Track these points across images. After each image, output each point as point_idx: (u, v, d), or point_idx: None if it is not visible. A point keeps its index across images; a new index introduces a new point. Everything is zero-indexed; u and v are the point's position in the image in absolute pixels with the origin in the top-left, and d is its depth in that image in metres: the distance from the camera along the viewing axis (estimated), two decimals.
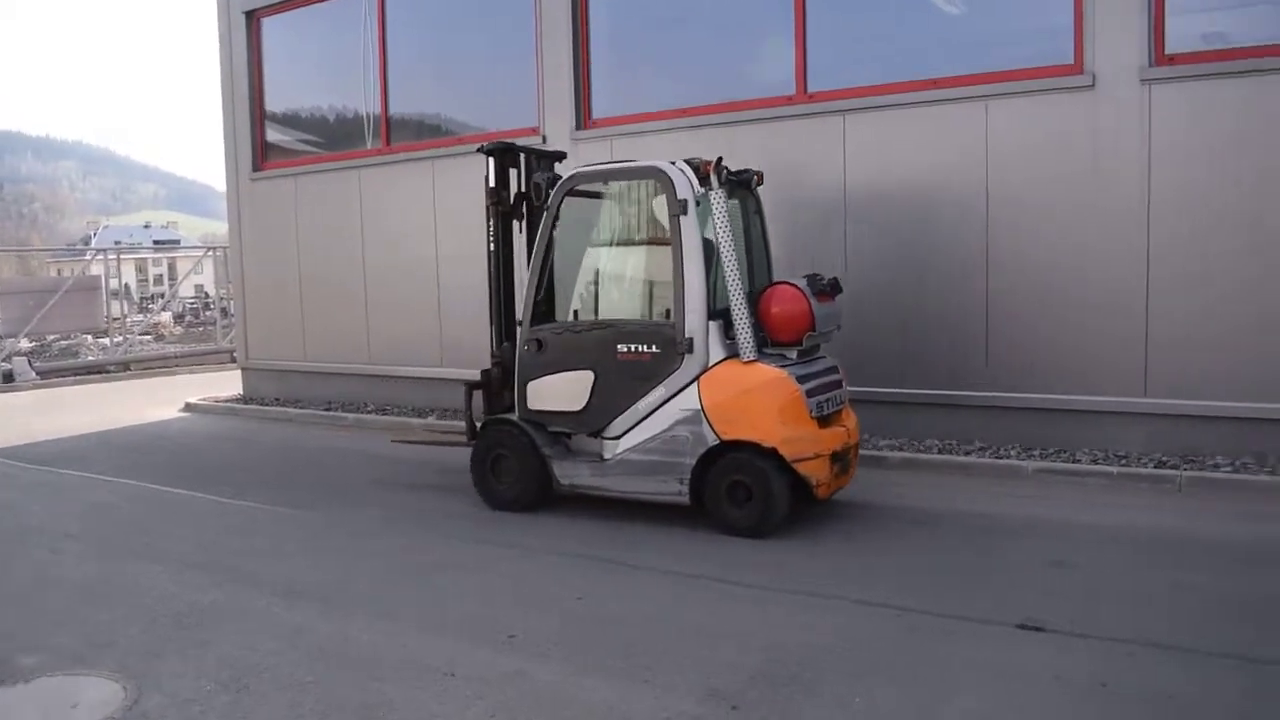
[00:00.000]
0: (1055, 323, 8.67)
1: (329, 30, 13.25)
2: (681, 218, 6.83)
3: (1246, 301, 7.94)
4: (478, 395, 7.97)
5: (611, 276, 7.44)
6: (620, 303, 7.37)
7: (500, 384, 7.89)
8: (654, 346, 6.97)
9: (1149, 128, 8.15)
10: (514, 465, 7.52)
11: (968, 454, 8.73)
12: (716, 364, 6.84)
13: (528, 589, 5.85)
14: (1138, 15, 8.13)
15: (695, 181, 6.85)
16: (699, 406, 6.83)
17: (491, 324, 7.96)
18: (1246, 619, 5.08)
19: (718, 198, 6.86)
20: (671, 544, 6.59)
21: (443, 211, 11.84)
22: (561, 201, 7.36)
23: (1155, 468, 7.97)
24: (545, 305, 7.63)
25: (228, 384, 15.15)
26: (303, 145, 13.85)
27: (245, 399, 14.02)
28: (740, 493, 6.77)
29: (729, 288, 6.84)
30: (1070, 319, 8.60)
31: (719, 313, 6.84)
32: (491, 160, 7.86)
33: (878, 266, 9.30)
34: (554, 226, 7.40)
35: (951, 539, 6.64)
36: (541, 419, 7.48)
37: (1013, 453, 8.64)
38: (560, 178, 7.42)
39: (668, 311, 7.03)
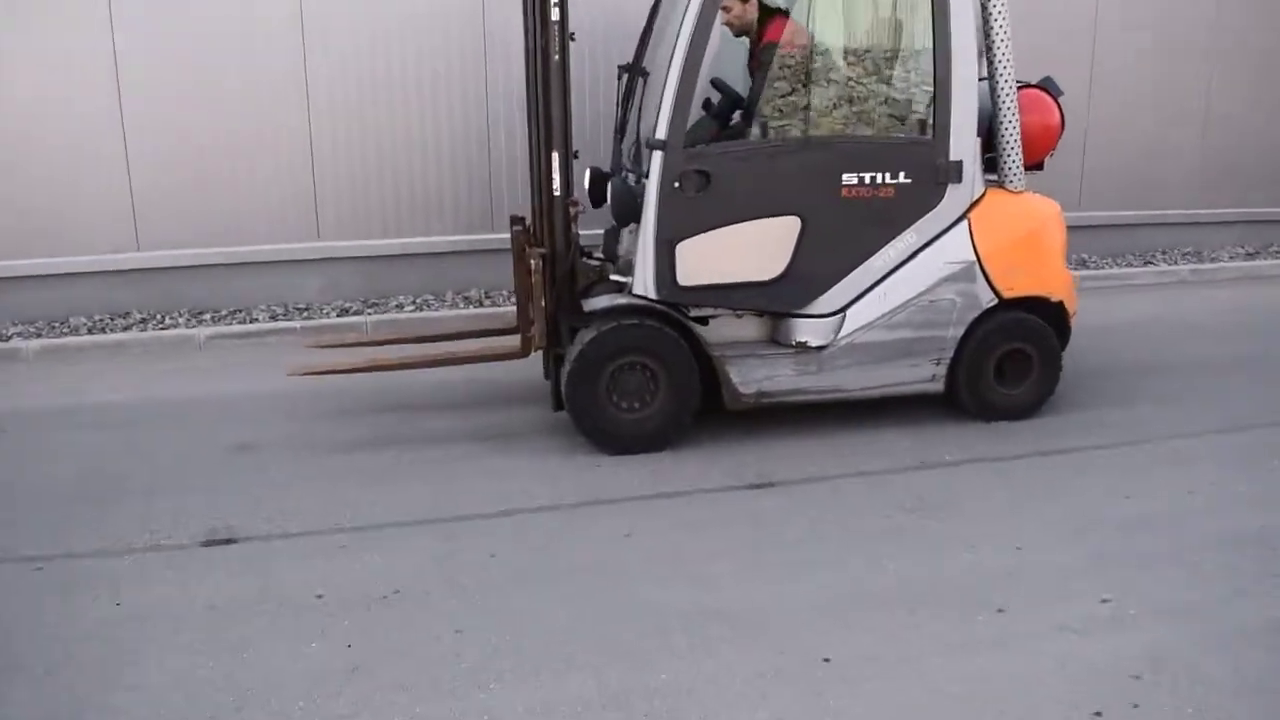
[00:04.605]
0: None
1: None
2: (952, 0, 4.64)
3: None
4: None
5: (824, 72, 4.77)
6: (843, 111, 4.78)
7: (576, 252, 4.83)
8: (902, 175, 4.73)
9: None
10: (660, 379, 4.71)
11: None
12: (979, 198, 4.92)
13: None
14: None
15: None
16: (972, 256, 4.86)
17: (552, 150, 4.74)
18: None
19: None
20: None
21: None
22: None
23: None
24: (713, 117, 4.82)
25: None
26: None
27: None
28: (1010, 365, 5.08)
29: (1001, 92, 4.89)
30: None
31: None
32: None
33: None
34: None
35: None
36: (696, 299, 4.77)
37: None
38: None
39: (921, 124, 4.81)
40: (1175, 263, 8.82)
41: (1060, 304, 5.07)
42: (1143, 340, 6.74)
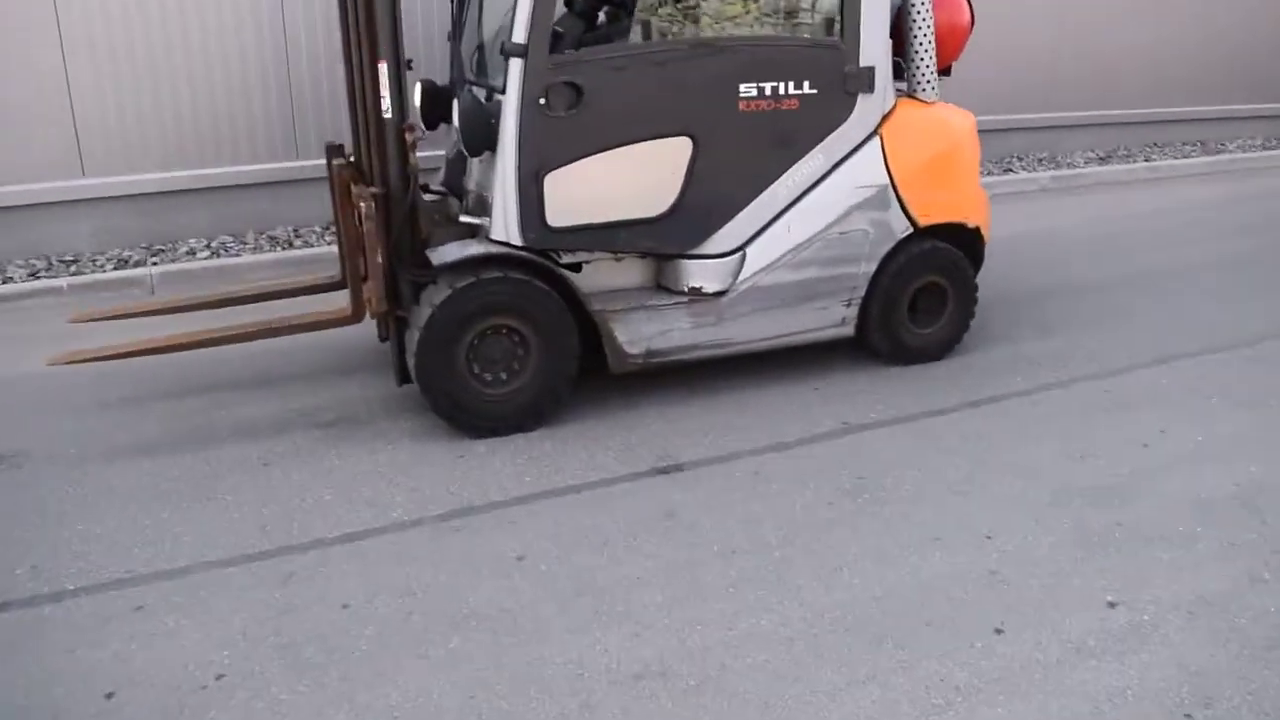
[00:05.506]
0: None
1: None
2: None
3: None
4: None
5: None
6: (740, 8, 3.97)
7: (417, 190, 3.84)
8: (806, 84, 3.97)
9: None
10: (530, 343, 3.85)
11: None
12: (890, 111, 4.21)
13: None
14: None
15: None
16: (886, 180, 4.18)
17: (379, 61, 3.71)
18: None
19: None
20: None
21: None
22: None
23: None
24: (577, 14, 3.86)
25: None
26: None
27: None
28: (923, 301, 4.48)
29: None
30: None
31: None
32: None
33: None
34: None
35: None
36: (569, 242, 3.90)
37: None
38: None
39: (829, 23, 4.03)
40: (1033, 170, 8.50)
41: (976, 230, 4.50)
42: (1031, 259, 6.34)
